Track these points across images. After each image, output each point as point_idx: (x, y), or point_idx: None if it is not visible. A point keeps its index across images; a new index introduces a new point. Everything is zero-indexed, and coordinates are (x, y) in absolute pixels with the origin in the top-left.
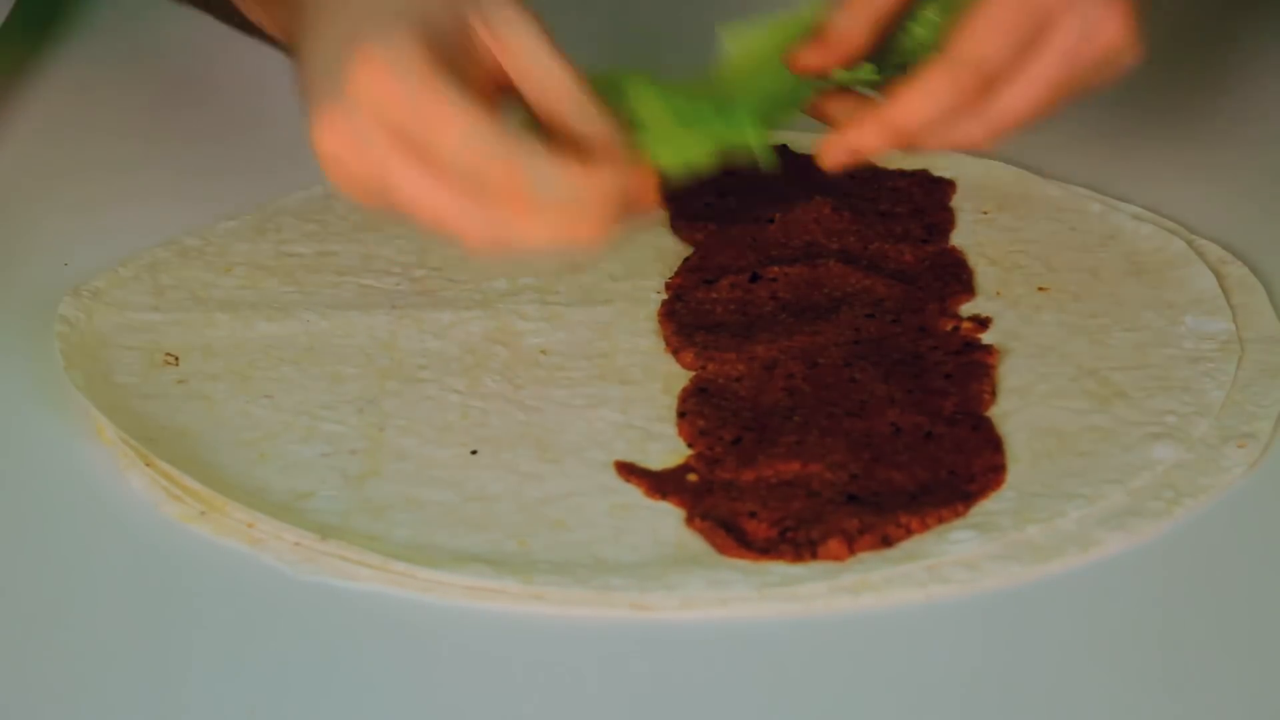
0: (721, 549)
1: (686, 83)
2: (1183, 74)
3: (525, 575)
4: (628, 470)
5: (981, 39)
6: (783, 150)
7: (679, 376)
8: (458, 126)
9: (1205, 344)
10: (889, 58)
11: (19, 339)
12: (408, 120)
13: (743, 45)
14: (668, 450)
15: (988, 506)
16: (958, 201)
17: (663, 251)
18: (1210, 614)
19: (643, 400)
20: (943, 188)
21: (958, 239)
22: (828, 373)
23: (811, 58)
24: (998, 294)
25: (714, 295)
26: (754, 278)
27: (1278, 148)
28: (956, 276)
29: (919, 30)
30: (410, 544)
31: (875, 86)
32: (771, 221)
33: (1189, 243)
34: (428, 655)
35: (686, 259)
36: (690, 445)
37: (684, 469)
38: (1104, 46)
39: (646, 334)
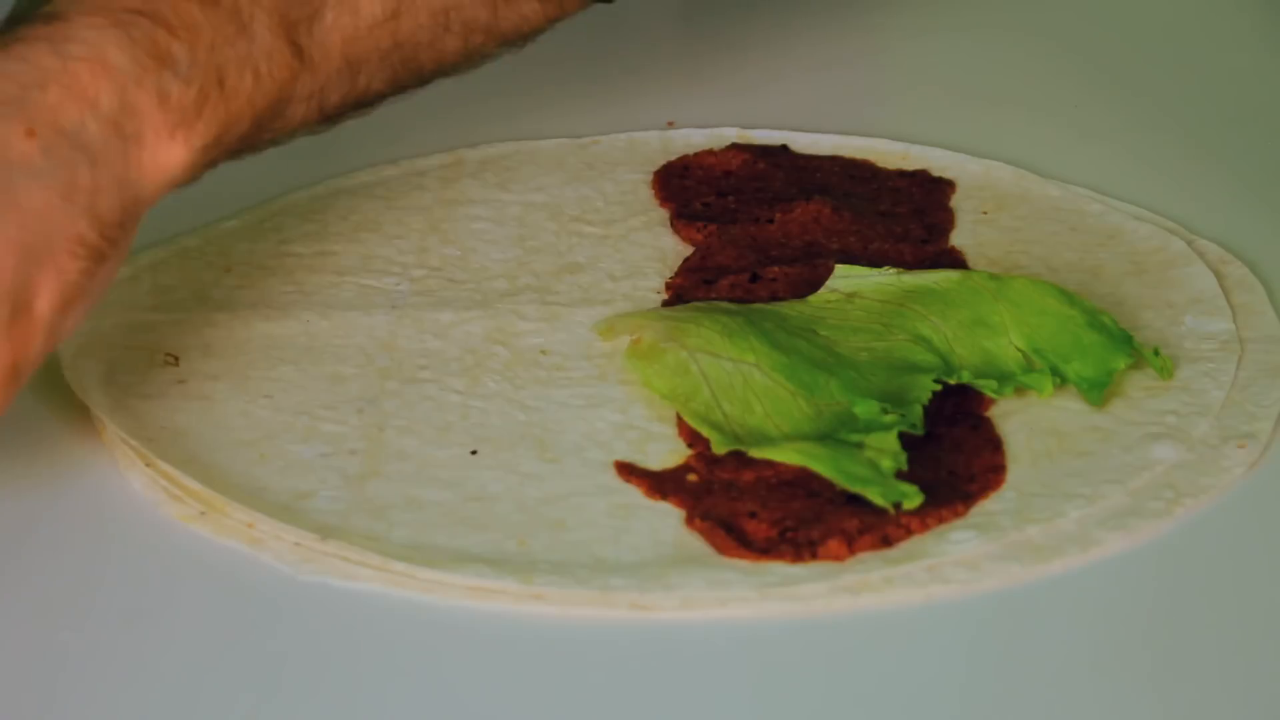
0: (721, 549)
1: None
2: (1183, 74)
3: (525, 575)
4: (628, 470)
5: None
6: (783, 150)
7: None
8: None
9: (1205, 344)
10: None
11: None
12: None
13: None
14: (668, 450)
15: (988, 506)
16: (958, 201)
17: (663, 251)
18: (1210, 614)
19: (643, 400)
20: (943, 188)
21: (958, 239)
22: None
23: None
24: None
25: (714, 295)
26: (754, 278)
27: (1278, 147)
28: None
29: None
30: (410, 544)
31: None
32: (771, 222)
33: (1189, 243)
34: (428, 655)
35: (686, 259)
36: (690, 445)
37: (684, 469)
38: None
39: None
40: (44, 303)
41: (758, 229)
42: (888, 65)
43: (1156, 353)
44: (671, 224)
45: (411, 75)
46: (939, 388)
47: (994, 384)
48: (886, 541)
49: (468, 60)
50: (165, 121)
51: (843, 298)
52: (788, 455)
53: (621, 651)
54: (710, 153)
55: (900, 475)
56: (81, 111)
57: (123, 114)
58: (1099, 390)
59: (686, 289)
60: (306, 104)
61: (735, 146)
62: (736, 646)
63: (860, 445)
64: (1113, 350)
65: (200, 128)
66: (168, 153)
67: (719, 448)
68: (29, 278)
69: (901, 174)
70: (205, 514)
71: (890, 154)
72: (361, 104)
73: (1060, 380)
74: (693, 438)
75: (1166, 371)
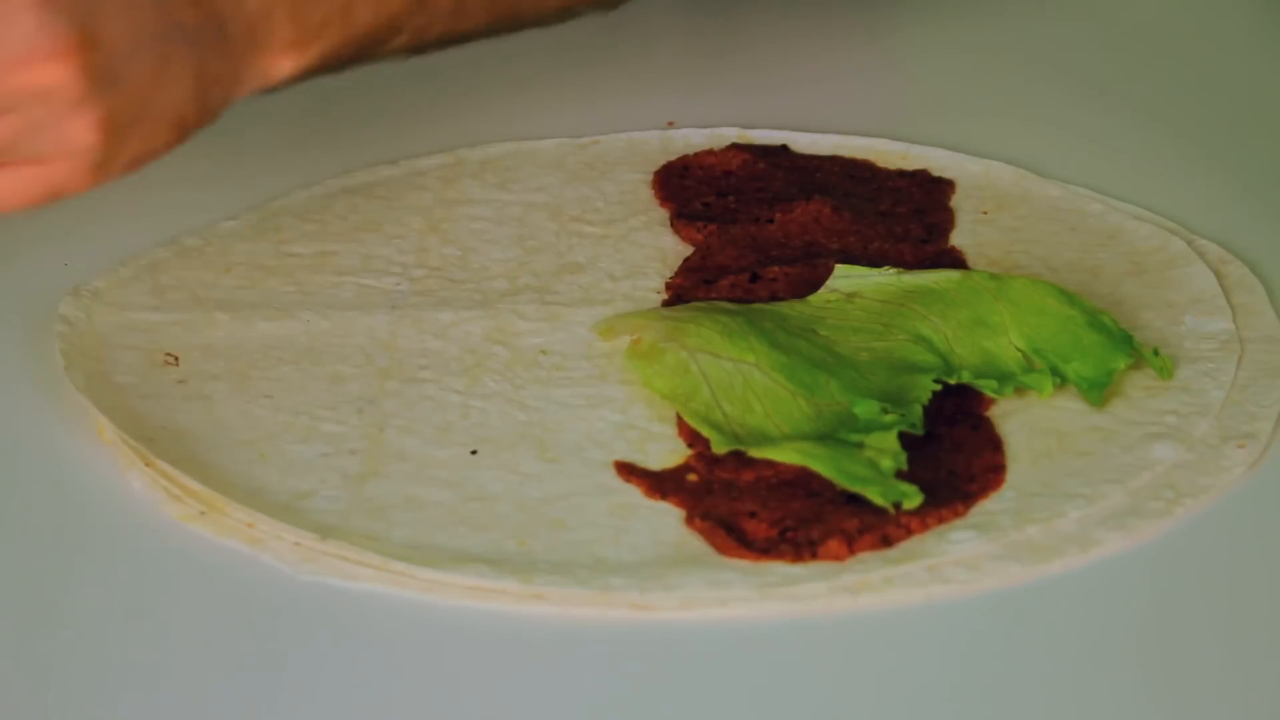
0: (721, 549)
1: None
2: (1183, 75)
3: (525, 575)
4: (628, 470)
5: None
6: (783, 150)
7: None
8: None
9: (1205, 344)
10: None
11: (19, 339)
12: None
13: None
14: (668, 450)
15: (988, 506)
16: (958, 201)
17: (663, 251)
18: (1210, 614)
19: (643, 400)
20: (943, 188)
21: (958, 239)
22: None
23: None
24: None
25: (714, 295)
26: (754, 278)
27: (1278, 147)
28: None
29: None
30: (410, 544)
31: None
32: (771, 222)
33: (1189, 243)
34: (428, 655)
35: (686, 259)
36: (690, 445)
37: (684, 469)
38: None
39: None
40: (121, 160)
41: (758, 229)
42: (888, 65)
43: (1156, 353)
44: (671, 224)
45: (508, 22)
46: (939, 388)
47: (994, 384)
48: (886, 541)
49: (561, 15)
50: (289, 38)
51: (843, 298)
52: (788, 455)
53: (621, 651)
54: (710, 153)
55: (900, 475)
56: (233, 7)
57: (260, 20)
58: (1099, 390)
59: (686, 289)
60: (409, 36)
61: (735, 146)
62: (736, 646)
63: (860, 445)
64: (1113, 350)
65: (315, 48)
66: (278, 66)
67: (719, 447)
68: (127, 135)
69: (901, 174)
70: (205, 514)
71: (890, 154)
72: (454, 42)
73: (1060, 380)
74: (693, 438)
75: (1166, 371)
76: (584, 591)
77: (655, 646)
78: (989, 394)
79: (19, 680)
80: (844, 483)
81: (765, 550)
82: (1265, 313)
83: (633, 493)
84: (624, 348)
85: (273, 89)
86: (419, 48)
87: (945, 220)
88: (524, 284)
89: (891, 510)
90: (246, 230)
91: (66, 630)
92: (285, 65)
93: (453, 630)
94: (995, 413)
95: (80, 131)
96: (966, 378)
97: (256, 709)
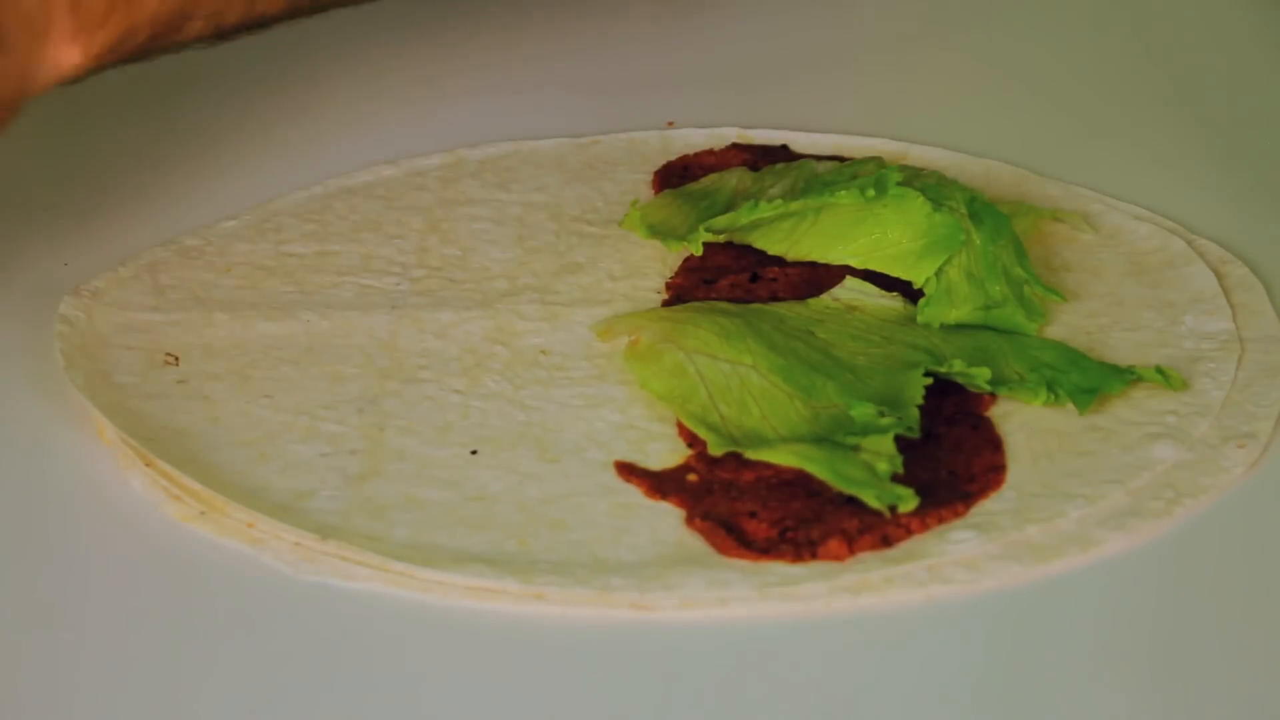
0: (721, 549)
1: None
2: (1183, 74)
3: (525, 575)
4: (628, 470)
5: None
6: (783, 150)
7: None
8: None
9: (1205, 344)
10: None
11: (19, 339)
12: None
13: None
14: (668, 450)
15: (988, 506)
16: None
17: (663, 251)
18: (1210, 614)
19: (643, 400)
20: None
21: None
22: None
23: None
24: None
25: (714, 295)
26: (754, 278)
27: (1278, 147)
28: None
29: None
30: (410, 544)
31: None
32: None
33: (1189, 242)
34: (428, 655)
35: (686, 259)
36: (690, 445)
37: (684, 469)
38: None
39: None
40: None
41: None
42: (888, 65)
43: (1160, 370)
44: None
45: (308, 4)
46: (930, 381)
47: (987, 372)
48: (886, 541)
49: None
50: (70, 27)
51: (843, 308)
52: (784, 457)
53: (621, 651)
54: (710, 153)
55: (900, 476)
56: (4, 6)
57: (37, 12)
58: (1089, 397)
59: (686, 289)
60: (204, 22)
61: (735, 146)
62: (736, 646)
63: (856, 448)
64: (1111, 376)
65: (101, 36)
66: (67, 54)
67: (715, 449)
68: None
69: None
70: (205, 514)
71: (890, 154)
72: (257, 26)
73: (1054, 398)
74: (693, 438)
75: (1178, 383)
76: (584, 591)
77: (655, 646)
78: (982, 383)
79: (19, 680)
80: (840, 486)
81: (765, 550)
82: (1265, 313)
83: (633, 493)
84: (623, 348)
85: (73, 80)
86: (221, 34)
87: None
88: (524, 284)
89: (887, 514)
90: (246, 230)
91: (66, 631)
92: (73, 55)
93: (453, 630)
94: (995, 413)
95: None
96: (959, 367)
97: (256, 709)
